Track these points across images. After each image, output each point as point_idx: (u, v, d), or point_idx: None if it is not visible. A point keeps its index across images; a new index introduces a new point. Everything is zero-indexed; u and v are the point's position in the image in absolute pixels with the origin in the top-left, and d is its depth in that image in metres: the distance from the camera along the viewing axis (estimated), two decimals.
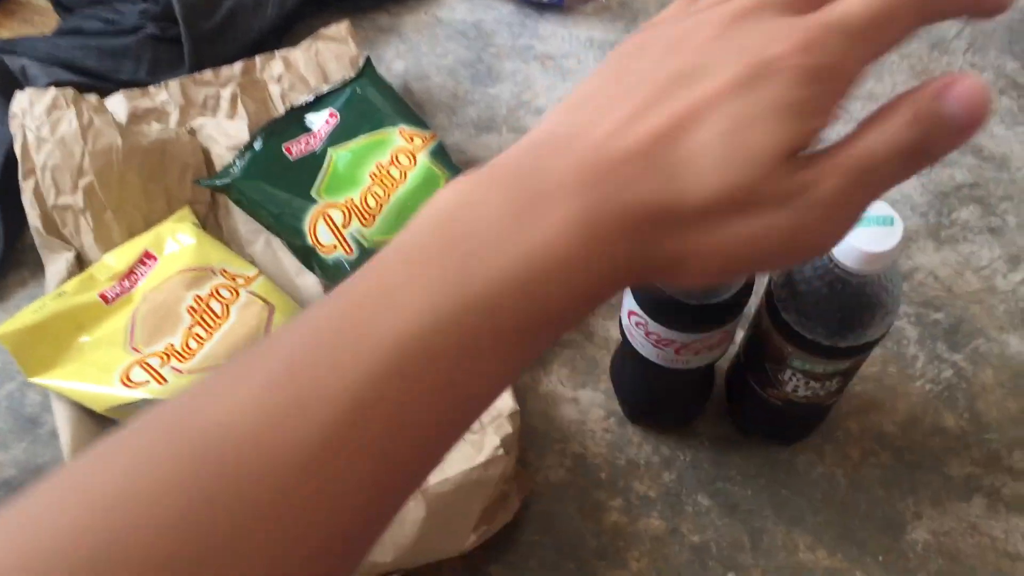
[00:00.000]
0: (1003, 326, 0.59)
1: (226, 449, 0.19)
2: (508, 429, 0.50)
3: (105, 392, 0.52)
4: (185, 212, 0.61)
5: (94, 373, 0.53)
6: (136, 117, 0.65)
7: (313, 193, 0.60)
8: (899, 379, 0.57)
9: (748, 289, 0.44)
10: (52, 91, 0.59)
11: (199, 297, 0.56)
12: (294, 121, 0.63)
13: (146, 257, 0.58)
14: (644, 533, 0.53)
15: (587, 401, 0.58)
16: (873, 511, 0.53)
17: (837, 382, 0.47)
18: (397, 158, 0.61)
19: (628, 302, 0.46)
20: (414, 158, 0.61)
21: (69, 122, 0.59)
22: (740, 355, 0.53)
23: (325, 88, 0.65)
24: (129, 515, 0.18)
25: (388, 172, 0.60)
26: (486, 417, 0.53)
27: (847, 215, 0.22)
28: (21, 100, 0.60)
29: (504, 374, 0.22)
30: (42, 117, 0.59)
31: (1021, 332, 0.59)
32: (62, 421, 0.53)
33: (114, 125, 0.60)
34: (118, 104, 0.65)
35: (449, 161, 0.61)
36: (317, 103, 0.64)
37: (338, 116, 0.62)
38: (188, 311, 0.55)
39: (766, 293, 0.46)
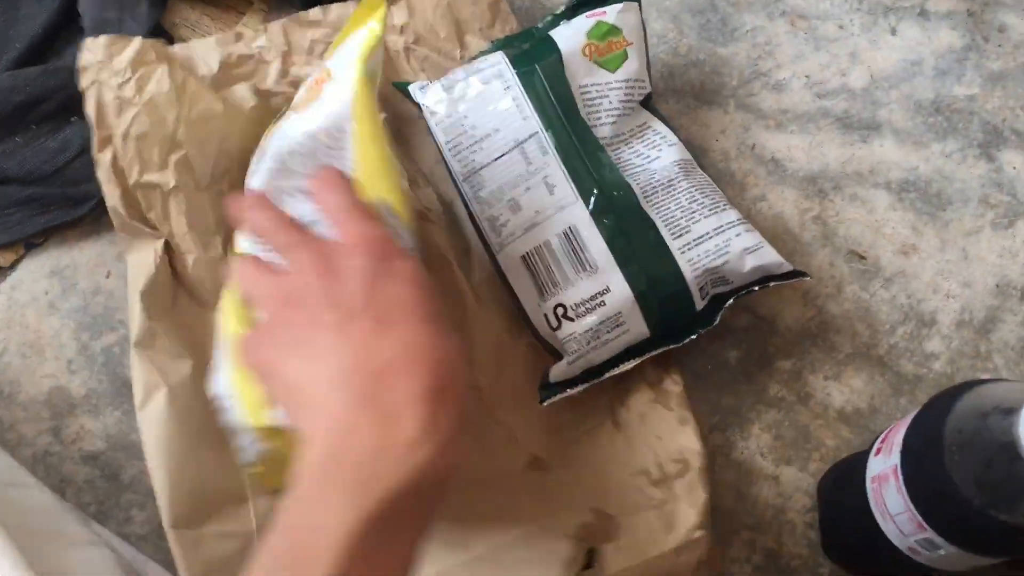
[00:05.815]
0: None
1: None
2: (702, 494, 0.41)
3: None
4: None
5: None
6: (228, 67, 0.52)
7: None
8: None
9: None
10: (137, 41, 0.47)
11: None
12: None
13: None
14: None
15: (790, 482, 0.47)
16: None
17: None
18: None
19: (893, 500, 0.35)
20: None
21: (159, 81, 0.47)
22: None
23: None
24: None
25: None
26: (670, 466, 0.43)
27: None
28: (93, 49, 0.47)
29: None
30: (125, 73, 0.47)
31: None
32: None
33: (210, 87, 0.48)
34: (209, 52, 0.51)
35: None
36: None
37: None
38: None
39: None
